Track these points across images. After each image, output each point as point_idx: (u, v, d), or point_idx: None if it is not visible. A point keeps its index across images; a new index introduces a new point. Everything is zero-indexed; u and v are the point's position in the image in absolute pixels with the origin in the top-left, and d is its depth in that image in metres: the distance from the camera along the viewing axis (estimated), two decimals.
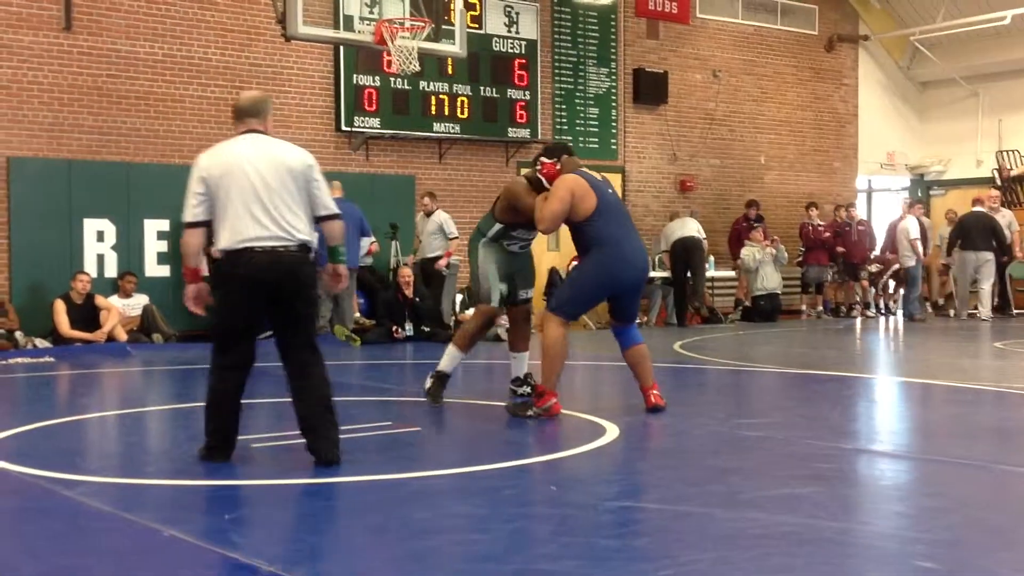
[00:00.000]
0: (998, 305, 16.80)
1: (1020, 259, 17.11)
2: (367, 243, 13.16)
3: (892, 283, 18.17)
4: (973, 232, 16.43)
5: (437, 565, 3.60)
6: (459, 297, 13.71)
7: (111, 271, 12.56)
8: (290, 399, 5.29)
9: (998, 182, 18.94)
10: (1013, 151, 19.26)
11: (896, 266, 17.54)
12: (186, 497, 4.70)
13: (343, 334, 12.20)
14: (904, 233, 16.48)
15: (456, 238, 13.58)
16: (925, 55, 20.27)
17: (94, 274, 12.21)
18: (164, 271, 12.85)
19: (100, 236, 12.56)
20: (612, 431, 6.01)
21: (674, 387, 9.12)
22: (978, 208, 16.72)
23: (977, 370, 9.76)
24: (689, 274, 15.39)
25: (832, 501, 4.46)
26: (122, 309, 12.08)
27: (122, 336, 11.75)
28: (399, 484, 4.80)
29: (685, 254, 15.26)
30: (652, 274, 14.47)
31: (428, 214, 13.75)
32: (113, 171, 12.68)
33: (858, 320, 16.73)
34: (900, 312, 16.87)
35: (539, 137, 15.68)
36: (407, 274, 12.90)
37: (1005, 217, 17.09)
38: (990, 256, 16.27)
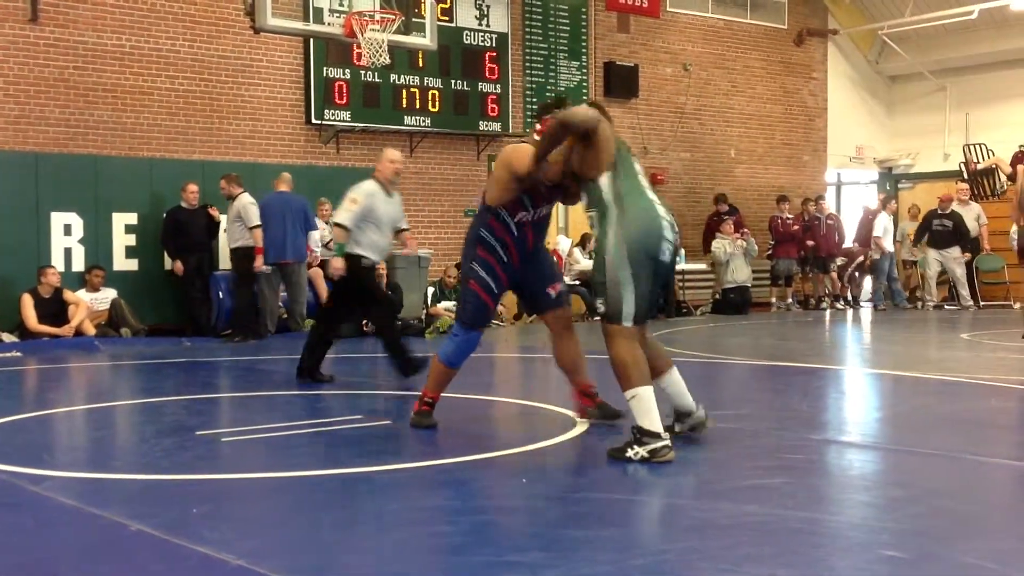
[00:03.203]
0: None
1: (987, 252, 17.32)
2: (317, 236, 12.64)
3: (857, 275, 18.34)
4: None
5: (407, 558, 3.59)
6: (430, 290, 13.65)
7: (79, 265, 12.44)
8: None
9: (965, 176, 19.11)
10: (980, 145, 19.43)
11: (861, 258, 17.76)
12: (153, 491, 4.67)
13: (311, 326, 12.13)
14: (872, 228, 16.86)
15: (258, 227, 12.06)
16: (893, 49, 20.41)
17: (61, 268, 12.09)
18: (132, 265, 12.69)
19: (67, 230, 12.44)
20: (582, 423, 6.02)
21: None
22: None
23: (944, 361, 9.84)
24: None
25: (800, 491, 4.49)
26: (90, 303, 11.99)
27: (90, 330, 11.67)
28: (369, 477, 4.78)
29: None
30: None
31: (229, 198, 12.25)
32: (80, 164, 12.56)
33: (827, 312, 16.84)
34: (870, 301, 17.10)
35: (510, 131, 15.68)
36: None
37: (973, 210, 17.27)
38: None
